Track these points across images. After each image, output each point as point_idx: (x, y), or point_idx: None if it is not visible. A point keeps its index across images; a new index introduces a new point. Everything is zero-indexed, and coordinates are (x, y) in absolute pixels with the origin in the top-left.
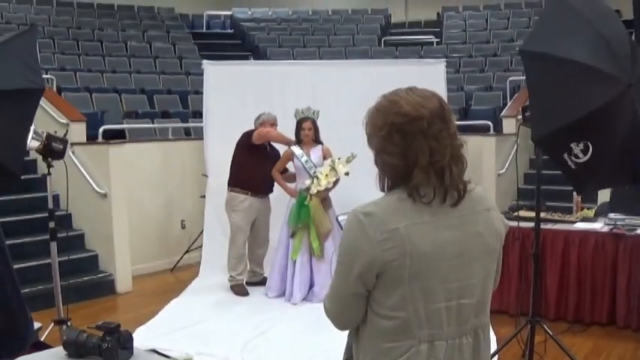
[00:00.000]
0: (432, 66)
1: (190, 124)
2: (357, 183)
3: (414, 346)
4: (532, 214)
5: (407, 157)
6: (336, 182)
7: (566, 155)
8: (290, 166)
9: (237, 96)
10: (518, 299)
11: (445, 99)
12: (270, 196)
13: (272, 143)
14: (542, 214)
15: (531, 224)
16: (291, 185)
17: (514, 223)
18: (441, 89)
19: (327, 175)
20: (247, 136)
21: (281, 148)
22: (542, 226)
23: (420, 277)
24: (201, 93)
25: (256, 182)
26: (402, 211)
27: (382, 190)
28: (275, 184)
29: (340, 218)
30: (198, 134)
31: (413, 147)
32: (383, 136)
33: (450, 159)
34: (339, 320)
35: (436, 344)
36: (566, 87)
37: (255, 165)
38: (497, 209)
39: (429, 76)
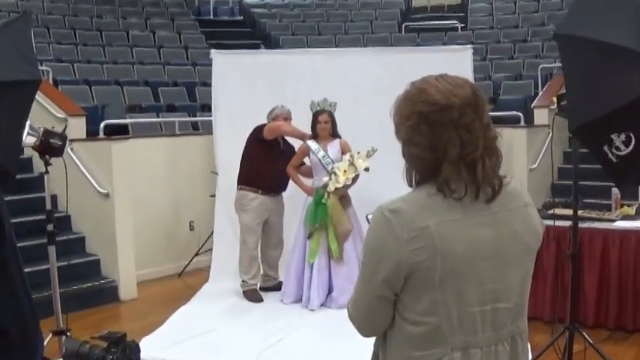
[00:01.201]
0: (458, 53)
1: (198, 118)
2: (378, 179)
3: (447, 355)
4: (568, 211)
5: (435, 149)
6: (355, 179)
7: (606, 147)
8: (306, 162)
9: (247, 88)
10: (554, 304)
11: None
12: (285, 194)
13: (286, 138)
14: (580, 212)
15: (568, 223)
16: (307, 182)
17: (549, 222)
18: (466, 77)
19: (345, 171)
20: (258, 130)
21: (296, 144)
22: (580, 224)
23: (452, 279)
24: (209, 85)
25: (267, 180)
26: (431, 208)
27: (410, 184)
28: (290, 181)
29: (370, 217)
30: (206, 129)
31: (442, 138)
32: (410, 126)
33: (482, 151)
34: (364, 326)
35: (470, 352)
36: (607, 73)
37: (266, 161)
38: (534, 206)
39: (455, 64)
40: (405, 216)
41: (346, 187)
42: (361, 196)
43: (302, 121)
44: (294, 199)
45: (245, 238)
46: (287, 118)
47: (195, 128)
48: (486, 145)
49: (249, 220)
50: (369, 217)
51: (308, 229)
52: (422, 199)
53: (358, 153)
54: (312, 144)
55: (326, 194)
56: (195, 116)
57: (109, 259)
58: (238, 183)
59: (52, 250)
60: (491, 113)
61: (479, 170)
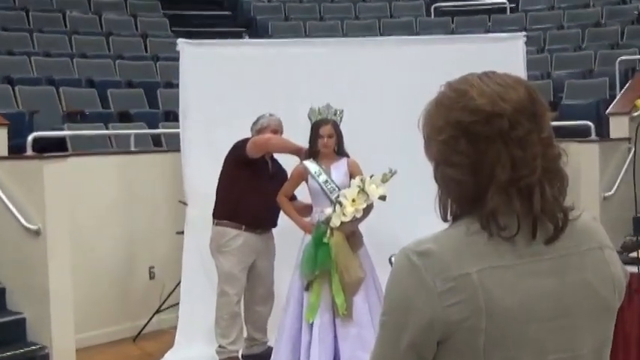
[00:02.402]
0: (505, 43)
1: (161, 130)
2: (399, 210)
3: None
4: None
5: (478, 172)
6: (367, 210)
7: None
8: (303, 189)
9: (227, 90)
10: None
11: None
12: (276, 231)
13: (275, 157)
14: None
15: None
16: (306, 218)
17: (633, 269)
18: (518, 75)
19: (354, 201)
20: (239, 147)
21: (289, 164)
22: None
23: (501, 346)
24: (176, 86)
25: (253, 212)
26: (472, 250)
27: (444, 219)
28: (282, 214)
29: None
30: (172, 144)
31: (487, 156)
32: (444, 141)
33: (541, 175)
34: None
35: None
36: None
37: (251, 188)
38: (613, 247)
39: (502, 58)
40: (438, 261)
41: (356, 221)
42: (377, 234)
43: (297, 135)
44: (288, 237)
45: (224, 289)
46: (276, 130)
47: (157, 143)
48: (546, 166)
49: (229, 265)
50: (392, 259)
51: (306, 277)
52: (460, 238)
53: (371, 176)
54: (311, 165)
55: (329, 231)
56: (156, 127)
57: (38, 318)
58: (215, 216)
59: None
60: (553, 123)
61: (536, 199)
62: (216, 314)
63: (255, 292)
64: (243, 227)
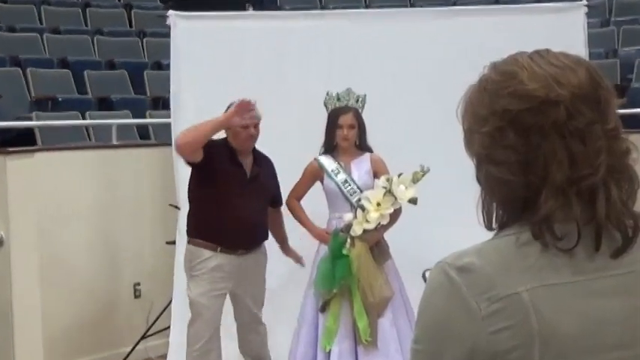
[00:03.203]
0: (562, 14)
1: (148, 120)
2: (434, 216)
3: None
4: None
5: (530, 170)
6: (395, 216)
7: None
8: (316, 190)
9: (227, 72)
10: None
11: None
12: (290, 241)
13: (258, 150)
14: None
15: None
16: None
17: None
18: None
19: (379, 205)
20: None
21: (300, 160)
22: None
23: None
24: (166, 67)
25: (227, 231)
26: (523, 265)
27: (488, 226)
28: (291, 219)
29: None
30: (162, 137)
31: (540, 152)
32: (489, 134)
33: (606, 174)
34: None
35: None
36: None
37: (218, 201)
38: None
39: (557, 33)
40: (481, 277)
41: (381, 228)
42: (406, 244)
43: (310, 125)
44: (299, 248)
45: (193, 319)
46: (247, 124)
47: (143, 136)
48: (612, 164)
49: (197, 292)
50: (427, 275)
51: (321, 296)
52: (508, 249)
53: (400, 175)
54: (327, 161)
55: (349, 240)
56: (143, 117)
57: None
58: (187, 233)
59: None
60: (620, 111)
61: (600, 204)
62: (187, 349)
63: (242, 320)
64: (219, 249)
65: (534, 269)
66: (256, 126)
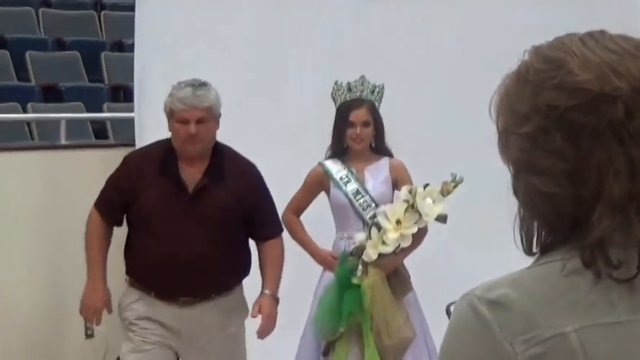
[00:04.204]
0: None
1: (107, 115)
2: (465, 235)
3: None
4: None
5: (580, 181)
6: (419, 237)
7: None
8: (321, 203)
9: (206, 53)
10: None
11: None
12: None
13: (222, 149)
14: None
15: None
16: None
17: None
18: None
19: (400, 222)
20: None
21: (301, 167)
22: None
23: None
24: (129, 48)
25: (161, 267)
26: (571, 298)
27: (527, 251)
28: (288, 238)
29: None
30: (123, 135)
31: (593, 159)
32: (529, 136)
33: None
34: None
35: None
36: None
37: (153, 223)
38: None
39: (613, 11)
40: (518, 314)
41: (401, 253)
42: (431, 272)
43: (312, 122)
44: (297, 275)
45: None
46: (186, 119)
47: (99, 134)
48: None
49: (127, 348)
50: (451, 309)
51: (325, 337)
52: (552, 279)
53: (426, 186)
54: (335, 167)
55: (360, 267)
56: (100, 110)
57: None
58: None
59: None
60: None
61: None
62: None
63: None
64: (153, 294)
65: (585, 304)
66: (202, 120)
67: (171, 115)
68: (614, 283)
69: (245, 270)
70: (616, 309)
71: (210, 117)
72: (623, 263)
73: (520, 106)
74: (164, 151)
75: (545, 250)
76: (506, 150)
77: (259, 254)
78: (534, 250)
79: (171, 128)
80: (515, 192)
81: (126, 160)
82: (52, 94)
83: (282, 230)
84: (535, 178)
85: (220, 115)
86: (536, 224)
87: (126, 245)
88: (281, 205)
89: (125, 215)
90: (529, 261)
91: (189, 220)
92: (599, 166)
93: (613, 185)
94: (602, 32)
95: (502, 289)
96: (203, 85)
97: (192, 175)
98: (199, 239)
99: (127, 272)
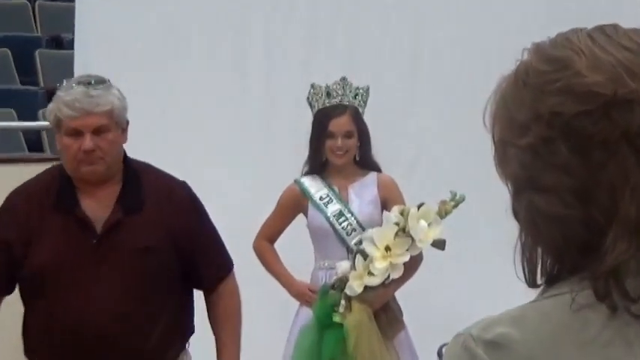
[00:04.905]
0: None
1: (41, 123)
2: (464, 263)
3: None
4: None
5: (591, 201)
6: (412, 265)
7: None
8: (298, 226)
9: (158, 48)
10: None
11: None
12: (250, 297)
13: (153, 170)
14: None
15: None
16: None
17: None
18: None
19: (389, 249)
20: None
21: (275, 184)
22: None
23: None
24: (68, 46)
25: (59, 345)
26: (582, 338)
27: (531, 282)
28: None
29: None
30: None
31: (605, 175)
32: (531, 148)
33: None
34: None
35: None
36: None
37: (46, 283)
38: None
39: (626, 3)
40: (519, 356)
41: (391, 285)
42: (423, 307)
43: (284, 130)
44: (268, 309)
45: None
46: (77, 130)
47: (34, 146)
48: None
49: None
50: (444, 351)
51: None
52: (560, 315)
53: (420, 206)
54: (312, 184)
55: (344, 302)
56: (34, 118)
57: None
58: None
59: None
60: None
61: None
62: None
63: None
64: None
65: (598, 344)
66: (101, 129)
67: (58, 126)
68: (632, 319)
69: (186, 333)
70: (634, 349)
71: (111, 125)
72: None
73: (519, 113)
74: (59, 181)
75: (552, 281)
76: (504, 164)
77: (208, 305)
78: (539, 281)
79: (59, 145)
80: (515, 214)
81: (7, 202)
82: None
83: (232, 265)
84: (538, 197)
85: (128, 123)
86: (539, 251)
87: (23, 319)
88: (245, 235)
89: (15, 278)
90: (533, 294)
91: (100, 273)
92: (613, 182)
93: (629, 205)
94: (615, 27)
95: (502, 327)
96: (100, 81)
97: (98, 208)
98: (116, 299)
99: (25, 354)
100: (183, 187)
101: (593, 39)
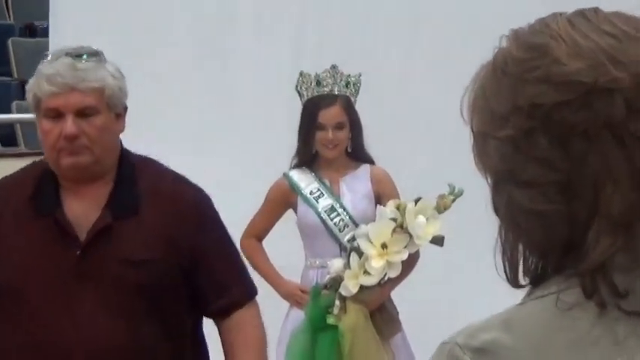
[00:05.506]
0: None
1: (15, 116)
2: (459, 263)
3: None
4: None
5: (573, 194)
6: (409, 264)
7: None
8: (287, 222)
9: (139, 36)
10: None
11: None
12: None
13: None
14: None
15: None
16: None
17: None
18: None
19: (385, 247)
20: None
21: (265, 177)
22: None
23: None
24: (43, 33)
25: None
26: (571, 337)
27: (513, 282)
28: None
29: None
30: (35, 142)
31: (588, 167)
32: (510, 140)
33: None
34: None
35: None
36: None
37: (24, 303)
38: None
39: None
40: None
41: (388, 284)
42: (421, 306)
43: (273, 121)
44: (263, 305)
45: None
46: (57, 109)
47: (6, 140)
48: None
49: None
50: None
51: None
52: (547, 316)
53: (417, 201)
54: (302, 178)
55: (337, 303)
56: (7, 111)
57: None
58: None
59: None
60: None
61: None
62: None
63: None
64: None
65: (587, 343)
66: (88, 111)
67: (37, 107)
68: (621, 315)
69: None
70: (625, 347)
71: (101, 107)
72: (630, 291)
73: (498, 104)
74: (40, 178)
75: (537, 281)
76: (484, 157)
77: (222, 338)
78: (521, 280)
79: (39, 131)
80: (496, 209)
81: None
82: None
83: (254, 292)
84: (518, 192)
85: (126, 109)
86: (521, 248)
87: None
88: (235, 232)
89: None
90: (517, 294)
91: (84, 291)
92: (596, 175)
93: (612, 198)
94: (596, 10)
95: (489, 333)
96: (93, 54)
97: (84, 211)
98: (104, 323)
99: None
100: (196, 192)
101: (573, 24)
